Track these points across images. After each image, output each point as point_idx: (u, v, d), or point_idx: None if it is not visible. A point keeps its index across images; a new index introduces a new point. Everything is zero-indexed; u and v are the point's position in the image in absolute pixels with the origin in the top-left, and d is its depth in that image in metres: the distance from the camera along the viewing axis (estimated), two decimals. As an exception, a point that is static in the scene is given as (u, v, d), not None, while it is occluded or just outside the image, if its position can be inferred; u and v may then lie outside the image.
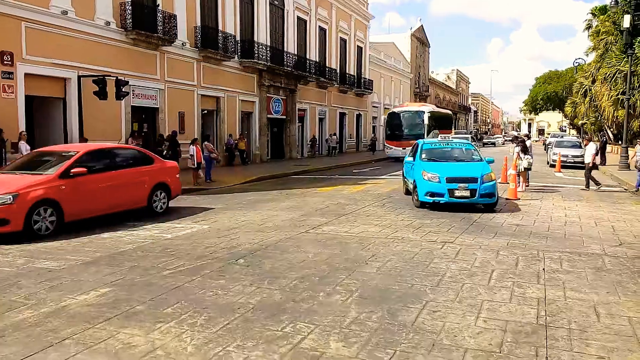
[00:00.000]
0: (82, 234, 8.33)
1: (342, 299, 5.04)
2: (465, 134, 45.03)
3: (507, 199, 12.53)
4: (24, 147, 13.61)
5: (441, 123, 33.82)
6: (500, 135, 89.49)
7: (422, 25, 66.47)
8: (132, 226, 9.10)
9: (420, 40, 65.74)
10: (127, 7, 18.89)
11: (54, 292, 5.25)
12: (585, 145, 14.23)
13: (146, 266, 6.29)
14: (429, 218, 9.79)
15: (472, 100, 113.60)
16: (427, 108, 32.32)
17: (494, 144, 68.11)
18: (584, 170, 15.31)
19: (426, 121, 30.17)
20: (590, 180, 14.86)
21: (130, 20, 18.89)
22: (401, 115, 32.01)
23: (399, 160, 26.80)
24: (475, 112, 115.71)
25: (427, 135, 25.83)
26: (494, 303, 4.94)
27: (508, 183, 13.74)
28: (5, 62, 14.65)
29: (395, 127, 31.60)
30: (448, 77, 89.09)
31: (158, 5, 20.39)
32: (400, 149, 28.95)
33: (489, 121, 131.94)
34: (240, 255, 6.85)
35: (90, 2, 17.67)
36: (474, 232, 8.49)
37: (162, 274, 5.95)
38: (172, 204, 11.19)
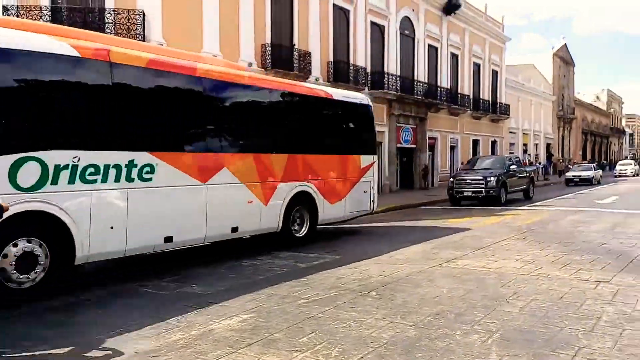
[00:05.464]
0: (225, 261, 8.95)
1: (482, 340, 4.73)
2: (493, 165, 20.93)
3: (675, 233, 10.95)
4: None
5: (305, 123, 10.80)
6: (630, 162, 55.34)
7: (565, 43, 62.15)
8: (269, 255, 9.56)
9: (564, 59, 61.40)
10: (267, 48, 20.42)
11: (201, 316, 5.67)
12: None
13: (282, 294, 6.53)
14: (579, 254, 8.89)
15: (626, 122, 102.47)
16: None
17: (590, 180, 33.62)
18: None
19: None
20: None
21: (270, 60, 20.36)
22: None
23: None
24: (631, 135, 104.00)
25: None
26: (664, 356, 4.28)
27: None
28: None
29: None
30: (597, 97, 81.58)
31: (294, 44, 21.72)
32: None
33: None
34: (372, 287, 6.81)
35: (235, 46, 19.40)
36: (634, 270, 7.50)
37: (297, 302, 6.12)
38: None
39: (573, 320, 5.24)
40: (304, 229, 10.68)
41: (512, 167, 20.76)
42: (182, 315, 5.68)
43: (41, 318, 5.72)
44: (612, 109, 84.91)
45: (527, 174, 22.85)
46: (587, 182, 33.71)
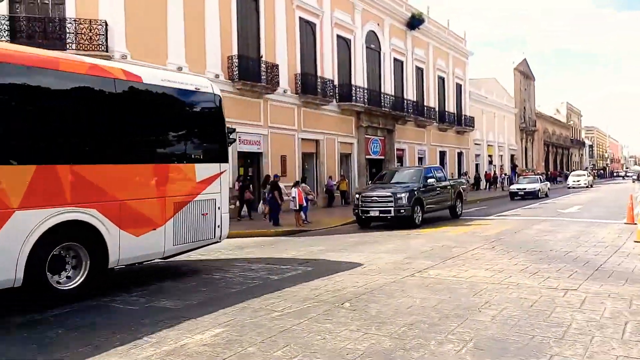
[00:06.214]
0: (194, 274, 8.75)
1: (456, 349, 4.75)
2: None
3: (635, 241, 11.32)
4: None
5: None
6: (583, 173, 51.98)
7: (525, 58, 64.23)
8: (242, 267, 9.41)
9: (524, 74, 63.40)
10: (234, 59, 20.34)
11: (173, 331, 5.51)
12: None
13: (255, 307, 6.42)
14: (547, 262, 9.09)
15: (585, 134, 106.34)
16: None
17: (537, 193, 29.92)
18: None
19: None
20: None
21: (237, 72, 20.27)
22: None
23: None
24: (591, 146, 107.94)
25: None
26: (631, 359, 4.39)
27: (636, 223, 12.44)
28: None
29: None
30: (557, 110, 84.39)
31: (262, 56, 21.72)
32: None
33: (606, 156, 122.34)
34: (346, 298, 6.78)
35: (201, 57, 19.24)
36: (600, 278, 7.71)
37: (271, 315, 6.03)
38: (278, 244, 11.44)
39: (544, 328, 5.32)
40: (78, 277, 7.03)
41: (430, 180, 17.04)
42: (154, 331, 5.51)
43: (3, 336, 5.45)
44: (571, 122, 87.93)
45: (452, 188, 18.70)
46: (533, 195, 29.65)
